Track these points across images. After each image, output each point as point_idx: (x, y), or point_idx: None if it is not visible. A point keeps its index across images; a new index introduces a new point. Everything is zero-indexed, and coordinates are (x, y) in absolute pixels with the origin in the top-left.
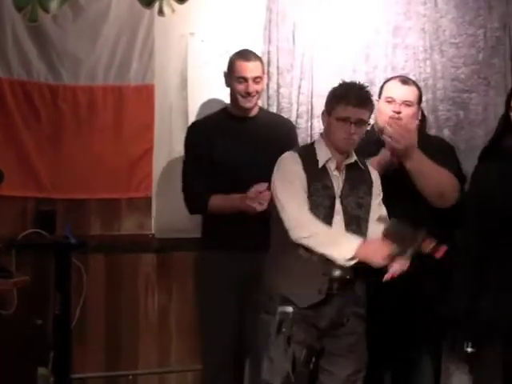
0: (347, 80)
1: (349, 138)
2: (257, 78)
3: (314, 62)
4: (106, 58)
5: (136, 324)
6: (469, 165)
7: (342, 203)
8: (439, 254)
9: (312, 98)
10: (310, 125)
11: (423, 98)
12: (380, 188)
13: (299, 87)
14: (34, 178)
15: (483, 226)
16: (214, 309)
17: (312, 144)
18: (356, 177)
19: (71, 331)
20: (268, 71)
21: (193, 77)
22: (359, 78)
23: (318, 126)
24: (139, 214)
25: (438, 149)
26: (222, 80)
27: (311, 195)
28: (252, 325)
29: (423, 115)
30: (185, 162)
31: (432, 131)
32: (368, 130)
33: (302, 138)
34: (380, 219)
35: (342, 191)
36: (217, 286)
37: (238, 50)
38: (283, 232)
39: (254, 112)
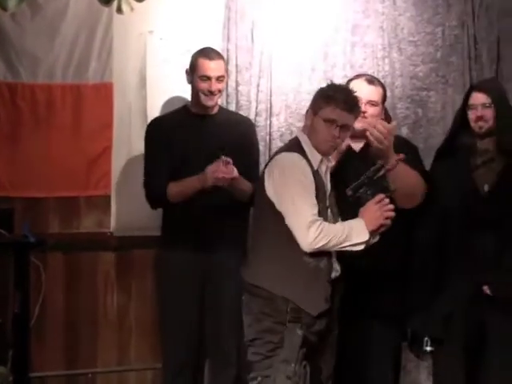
0: (306, 78)
1: (332, 141)
2: (220, 76)
3: (272, 60)
4: (64, 56)
5: (95, 322)
6: (427, 163)
7: (330, 206)
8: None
9: (271, 96)
10: (269, 123)
11: None
12: None
13: (258, 85)
14: None
15: (439, 224)
16: (173, 307)
17: (299, 144)
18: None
19: (30, 330)
20: (227, 69)
21: (152, 75)
22: (318, 76)
23: (277, 123)
24: (98, 212)
25: (404, 149)
26: (182, 78)
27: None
28: (213, 325)
29: (388, 115)
30: (145, 158)
31: None
32: None
33: (261, 136)
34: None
35: (329, 194)
36: (175, 284)
37: (197, 47)
38: (283, 236)
39: (215, 110)
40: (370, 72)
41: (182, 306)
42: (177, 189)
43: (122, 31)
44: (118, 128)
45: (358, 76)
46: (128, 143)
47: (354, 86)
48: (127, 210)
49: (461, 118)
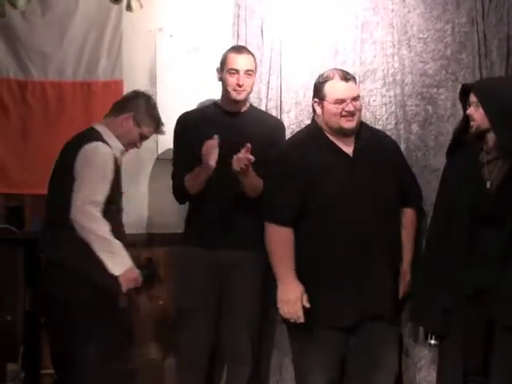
0: (316, 75)
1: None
2: (248, 70)
3: (282, 58)
4: (74, 53)
5: None
6: (437, 160)
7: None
8: None
9: (281, 93)
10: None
11: (391, 93)
12: None
13: (268, 82)
14: (2, 174)
15: (446, 220)
16: (190, 303)
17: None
18: None
19: (41, 326)
20: (256, 67)
21: (161, 72)
22: None
23: (288, 120)
24: None
25: (394, 152)
26: (191, 75)
27: None
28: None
29: None
30: (174, 151)
31: (400, 126)
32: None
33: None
34: None
35: None
36: (192, 280)
37: (207, 45)
38: None
39: (244, 108)
40: (379, 69)
41: (199, 302)
42: (189, 180)
43: (132, 28)
44: None
45: (328, 76)
46: None
47: (332, 87)
48: (137, 208)
49: (465, 115)
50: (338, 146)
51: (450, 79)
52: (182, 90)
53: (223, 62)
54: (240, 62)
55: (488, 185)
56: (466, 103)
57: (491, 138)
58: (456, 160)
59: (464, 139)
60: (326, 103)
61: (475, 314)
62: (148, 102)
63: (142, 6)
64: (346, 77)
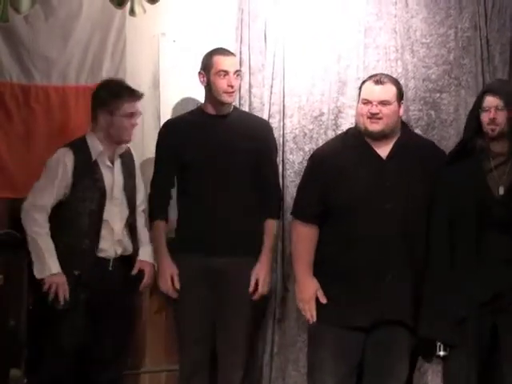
0: (319, 80)
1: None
2: (237, 71)
3: (285, 62)
4: (77, 58)
5: None
6: None
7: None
8: None
9: (284, 97)
10: (283, 125)
11: None
12: None
13: (271, 87)
14: (6, 179)
15: (451, 227)
16: (187, 308)
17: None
18: None
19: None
20: (240, 71)
21: (165, 77)
22: (331, 78)
23: (291, 125)
24: None
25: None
26: (194, 80)
27: None
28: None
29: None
30: (155, 160)
31: None
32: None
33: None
34: None
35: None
36: (188, 285)
37: (210, 49)
38: None
39: (229, 109)
40: None
41: (196, 307)
42: (153, 234)
43: (135, 33)
44: None
45: (369, 78)
46: (141, 145)
47: (364, 88)
48: None
49: (473, 121)
50: (372, 149)
51: (452, 84)
52: (184, 94)
53: (208, 66)
54: (228, 63)
55: (501, 191)
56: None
57: (500, 142)
58: (458, 168)
59: (467, 147)
60: (358, 103)
61: (485, 323)
62: (103, 87)
63: (145, 11)
64: (381, 80)
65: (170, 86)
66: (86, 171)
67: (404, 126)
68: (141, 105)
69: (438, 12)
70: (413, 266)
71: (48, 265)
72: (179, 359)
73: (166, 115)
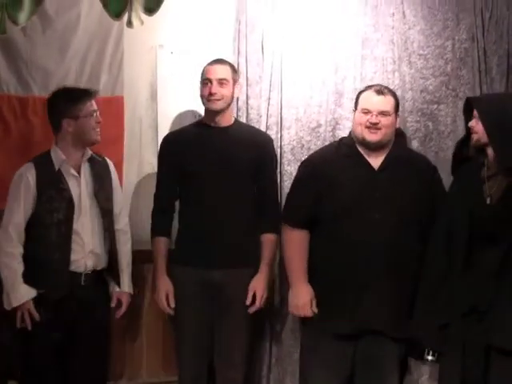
0: (317, 91)
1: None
2: (222, 79)
3: (283, 74)
4: (75, 70)
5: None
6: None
7: None
8: None
9: (281, 109)
10: (280, 136)
11: None
12: None
13: (268, 98)
14: (3, 190)
15: (447, 236)
16: (186, 320)
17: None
18: None
19: None
20: (235, 78)
21: (162, 89)
22: (328, 89)
23: (288, 137)
24: None
25: (435, 181)
26: (192, 92)
27: None
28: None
29: (399, 129)
30: (158, 172)
31: None
32: (344, 141)
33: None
34: None
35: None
36: (187, 297)
37: (208, 61)
38: None
39: (228, 122)
40: None
41: (194, 320)
42: (154, 248)
43: (133, 45)
44: (129, 142)
45: (368, 87)
46: (139, 157)
47: (364, 97)
48: (138, 224)
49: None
50: (364, 158)
51: (450, 95)
52: (182, 105)
53: (201, 75)
54: (213, 71)
55: (488, 201)
56: (468, 117)
57: (491, 152)
58: (459, 175)
59: (467, 154)
60: (356, 112)
61: (472, 331)
62: (59, 96)
63: (142, 23)
64: (382, 91)
65: (168, 97)
66: (50, 182)
67: (399, 138)
68: (137, 116)
69: (436, 23)
70: (399, 277)
71: (20, 293)
72: (178, 372)
73: (164, 127)
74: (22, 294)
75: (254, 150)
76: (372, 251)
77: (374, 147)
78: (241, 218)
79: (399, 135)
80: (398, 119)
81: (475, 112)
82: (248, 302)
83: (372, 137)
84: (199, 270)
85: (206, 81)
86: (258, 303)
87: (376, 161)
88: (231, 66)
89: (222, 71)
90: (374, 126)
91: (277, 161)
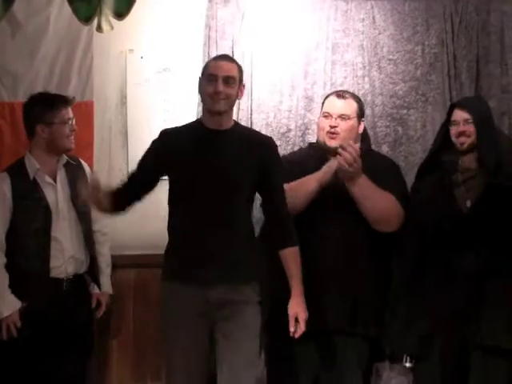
0: (287, 96)
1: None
2: (228, 77)
3: (253, 79)
4: (44, 74)
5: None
6: (407, 181)
7: None
8: None
9: (251, 114)
10: None
11: None
12: None
13: (239, 103)
14: None
15: (418, 242)
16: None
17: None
18: None
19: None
20: (241, 79)
21: (132, 93)
22: (298, 94)
23: None
24: None
25: (383, 170)
26: (162, 96)
27: None
28: None
29: (365, 131)
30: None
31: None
32: (313, 145)
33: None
34: None
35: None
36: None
37: (178, 66)
38: None
39: (228, 125)
40: (350, 90)
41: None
42: None
43: (102, 50)
44: (99, 147)
45: (332, 92)
46: (108, 162)
47: (325, 102)
48: (111, 232)
49: (442, 136)
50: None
51: (420, 100)
52: (152, 110)
53: (203, 72)
54: (219, 67)
55: (468, 204)
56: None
57: (468, 157)
58: (427, 182)
59: (435, 160)
60: (319, 117)
61: (453, 337)
62: (34, 102)
63: (112, 28)
64: (343, 95)
65: (138, 102)
66: (26, 192)
67: (366, 144)
68: (107, 122)
69: (405, 28)
70: (355, 278)
71: (10, 302)
72: None
73: (133, 132)
74: (13, 304)
75: (255, 156)
76: (330, 251)
77: (335, 153)
78: (238, 232)
79: (364, 141)
80: (363, 124)
81: (462, 116)
82: (291, 328)
83: (331, 142)
84: (197, 288)
85: (210, 77)
86: (302, 326)
87: None
88: (239, 66)
89: (229, 69)
90: (333, 131)
91: (283, 168)
